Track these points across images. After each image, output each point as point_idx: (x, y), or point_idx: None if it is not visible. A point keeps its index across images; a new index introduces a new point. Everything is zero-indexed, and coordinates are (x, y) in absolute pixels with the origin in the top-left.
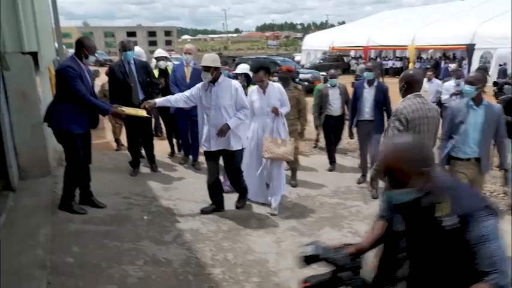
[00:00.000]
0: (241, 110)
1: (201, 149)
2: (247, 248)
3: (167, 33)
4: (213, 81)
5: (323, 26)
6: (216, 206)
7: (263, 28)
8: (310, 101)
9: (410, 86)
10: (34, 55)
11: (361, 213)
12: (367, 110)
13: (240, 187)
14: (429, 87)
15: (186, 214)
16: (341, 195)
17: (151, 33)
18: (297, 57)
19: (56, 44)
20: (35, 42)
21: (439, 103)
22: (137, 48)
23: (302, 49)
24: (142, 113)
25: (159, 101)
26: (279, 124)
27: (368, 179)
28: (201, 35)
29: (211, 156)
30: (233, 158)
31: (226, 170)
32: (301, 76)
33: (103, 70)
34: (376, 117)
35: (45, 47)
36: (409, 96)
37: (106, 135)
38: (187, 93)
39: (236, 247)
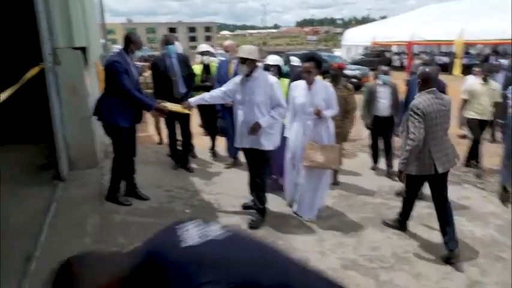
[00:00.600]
0: (276, 108)
1: None
2: (288, 245)
3: (207, 29)
4: (249, 74)
5: (364, 20)
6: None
7: (302, 23)
8: (357, 98)
9: (425, 83)
10: (83, 50)
11: None
12: None
13: (260, 198)
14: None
15: (227, 209)
16: (384, 195)
17: (192, 29)
18: (337, 53)
19: (102, 40)
20: (84, 38)
21: None
22: (176, 43)
23: (342, 44)
24: (184, 109)
25: (194, 100)
26: (322, 127)
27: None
28: (239, 31)
29: (246, 154)
30: (261, 159)
31: (250, 171)
32: (348, 72)
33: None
34: None
35: (93, 43)
36: (422, 92)
37: (148, 129)
38: (224, 87)
39: (278, 245)
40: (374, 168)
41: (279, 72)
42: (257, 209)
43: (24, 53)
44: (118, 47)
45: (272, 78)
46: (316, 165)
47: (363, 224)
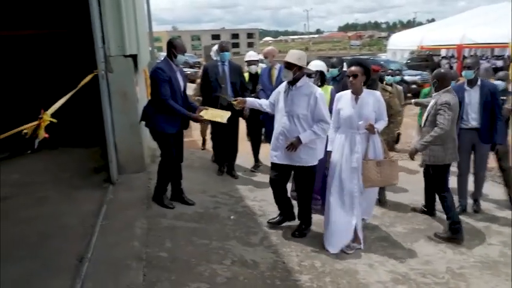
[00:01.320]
0: (319, 123)
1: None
2: (334, 255)
3: (249, 35)
4: (293, 83)
5: (410, 24)
6: (285, 216)
7: (345, 28)
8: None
9: (442, 82)
10: (134, 58)
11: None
12: (473, 116)
13: (305, 214)
14: None
15: (271, 216)
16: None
17: (235, 36)
18: (382, 57)
19: (149, 48)
20: (135, 45)
21: None
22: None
23: (388, 49)
24: (223, 119)
25: (250, 100)
26: (374, 142)
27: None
28: (282, 37)
29: (278, 168)
30: (304, 175)
31: (296, 190)
32: (407, 78)
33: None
34: (484, 124)
35: (143, 51)
36: (444, 90)
37: (193, 134)
38: (271, 98)
39: (323, 254)
40: None
41: (322, 78)
42: (302, 217)
43: (81, 60)
44: (164, 54)
45: (318, 91)
46: (377, 184)
47: (413, 236)
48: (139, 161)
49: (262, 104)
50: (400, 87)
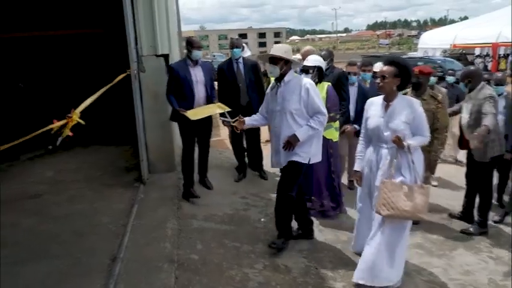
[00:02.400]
0: (315, 116)
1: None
2: None
3: (276, 34)
4: (280, 78)
5: (442, 22)
6: (303, 232)
7: (374, 26)
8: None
9: (474, 80)
10: (166, 57)
11: (503, 236)
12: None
13: (282, 222)
14: None
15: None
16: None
17: (261, 35)
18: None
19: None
20: (167, 45)
21: None
22: (244, 48)
23: (418, 47)
24: (214, 111)
25: (248, 120)
26: (403, 160)
27: None
28: (309, 36)
29: (283, 171)
30: (290, 171)
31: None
32: (449, 79)
33: None
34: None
35: (174, 50)
36: (480, 86)
37: (220, 133)
38: (261, 108)
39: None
40: None
41: (320, 75)
42: (278, 225)
43: (117, 60)
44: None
45: (307, 81)
46: (398, 214)
47: (451, 243)
48: (170, 161)
49: (256, 119)
50: (444, 90)
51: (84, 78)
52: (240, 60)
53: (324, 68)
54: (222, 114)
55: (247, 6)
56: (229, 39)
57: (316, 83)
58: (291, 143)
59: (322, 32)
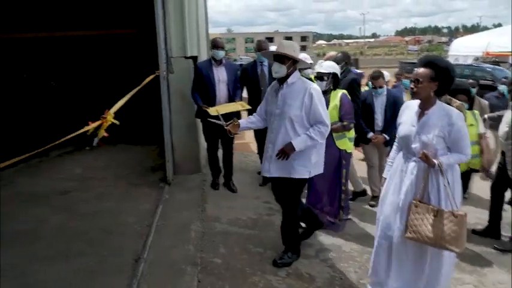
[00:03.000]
0: (316, 125)
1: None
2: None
3: (303, 38)
4: (284, 79)
5: (474, 29)
6: (287, 246)
7: (403, 32)
8: None
9: None
10: (194, 59)
11: None
12: None
13: (289, 236)
14: None
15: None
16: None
17: (288, 39)
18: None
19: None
20: (196, 47)
21: None
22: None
23: (449, 54)
24: (236, 108)
25: (242, 123)
26: (433, 180)
27: None
28: (336, 40)
29: (274, 185)
30: (291, 189)
31: (278, 200)
32: (501, 88)
33: None
34: None
35: (202, 52)
36: None
37: (245, 136)
38: (259, 108)
39: None
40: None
41: (335, 81)
42: (286, 242)
43: (147, 60)
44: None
45: (312, 86)
46: (420, 239)
47: (482, 259)
48: (195, 162)
49: (252, 122)
50: (485, 102)
51: (117, 77)
52: (265, 63)
53: (338, 74)
54: (215, 117)
55: (274, 10)
56: (255, 42)
57: (331, 90)
58: (286, 152)
59: (349, 36)
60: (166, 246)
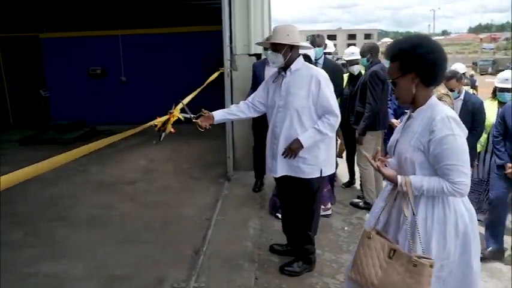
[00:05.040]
0: (325, 116)
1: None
2: None
3: (367, 36)
4: (285, 68)
5: None
6: (298, 255)
7: (477, 29)
8: None
9: None
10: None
11: None
12: None
13: (299, 244)
14: None
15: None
16: None
17: (351, 36)
18: None
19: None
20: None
21: None
22: (330, 48)
23: None
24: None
25: (218, 114)
26: (396, 209)
27: None
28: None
29: (279, 184)
30: (302, 191)
31: (284, 208)
32: None
33: None
34: None
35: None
36: None
37: None
38: (252, 95)
39: None
40: None
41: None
42: (296, 247)
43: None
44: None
45: (320, 73)
46: (363, 283)
47: None
48: None
49: (236, 111)
50: None
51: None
52: (320, 61)
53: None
54: (182, 110)
55: (337, 7)
56: (309, 38)
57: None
58: (293, 149)
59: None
60: (224, 241)
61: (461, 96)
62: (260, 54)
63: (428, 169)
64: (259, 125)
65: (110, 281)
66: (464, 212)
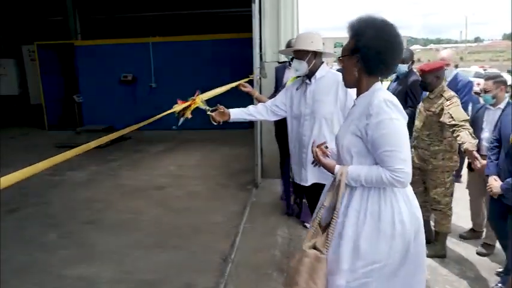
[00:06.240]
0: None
1: None
2: None
3: None
4: (310, 75)
5: None
6: None
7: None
8: None
9: None
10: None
11: None
12: None
13: None
14: None
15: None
16: None
17: None
18: None
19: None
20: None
21: None
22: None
23: None
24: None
25: (234, 112)
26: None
27: None
28: (432, 45)
29: (309, 191)
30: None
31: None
32: None
33: None
34: None
35: None
36: None
37: None
38: (272, 99)
39: None
40: None
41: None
42: None
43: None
44: None
45: None
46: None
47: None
48: None
49: (254, 111)
50: None
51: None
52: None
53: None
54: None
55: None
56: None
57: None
58: (319, 156)
59: (448, 41)
60: (252, 249)
61: (502, 106)
62: (289, 62)
63: (366, 157)
64: (283, 135)
65: (139, 286)
66: (403, 210)
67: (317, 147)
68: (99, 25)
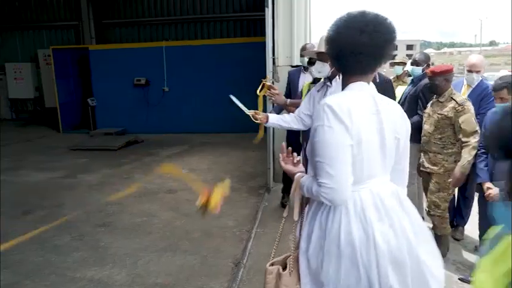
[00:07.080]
0: None
1: None
2: None
3: (409, 47)
4: (331, 77)
5: None
6: None
7: None
8: None
9: None
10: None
11: None
12: None
13: None
14: None
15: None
16: None
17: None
18: None
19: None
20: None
21: None
22: None
23: None
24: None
25: (272, 117)
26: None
27: None
28: (446, 49)
29: None
30: None
31: None
32: None
33: None
34: None
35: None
36: None
37: None
38: (299, 108)
39: None
40: None
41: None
42: None
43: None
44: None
45: None
46: None
47: None
48: None
49: (290, 120)
50: None
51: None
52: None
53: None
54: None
55: None
56: None
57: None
58: None
59: (462, 44)
60: (264, 254)
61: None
62: (301, 66)
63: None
64: (295, 138)
65: None
66: (353, 230)
67: (282, 153)
68: (113, 30)
